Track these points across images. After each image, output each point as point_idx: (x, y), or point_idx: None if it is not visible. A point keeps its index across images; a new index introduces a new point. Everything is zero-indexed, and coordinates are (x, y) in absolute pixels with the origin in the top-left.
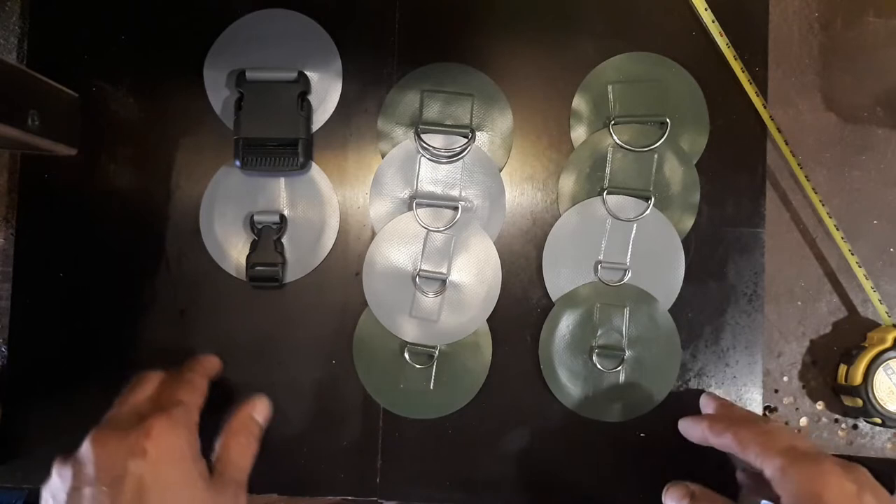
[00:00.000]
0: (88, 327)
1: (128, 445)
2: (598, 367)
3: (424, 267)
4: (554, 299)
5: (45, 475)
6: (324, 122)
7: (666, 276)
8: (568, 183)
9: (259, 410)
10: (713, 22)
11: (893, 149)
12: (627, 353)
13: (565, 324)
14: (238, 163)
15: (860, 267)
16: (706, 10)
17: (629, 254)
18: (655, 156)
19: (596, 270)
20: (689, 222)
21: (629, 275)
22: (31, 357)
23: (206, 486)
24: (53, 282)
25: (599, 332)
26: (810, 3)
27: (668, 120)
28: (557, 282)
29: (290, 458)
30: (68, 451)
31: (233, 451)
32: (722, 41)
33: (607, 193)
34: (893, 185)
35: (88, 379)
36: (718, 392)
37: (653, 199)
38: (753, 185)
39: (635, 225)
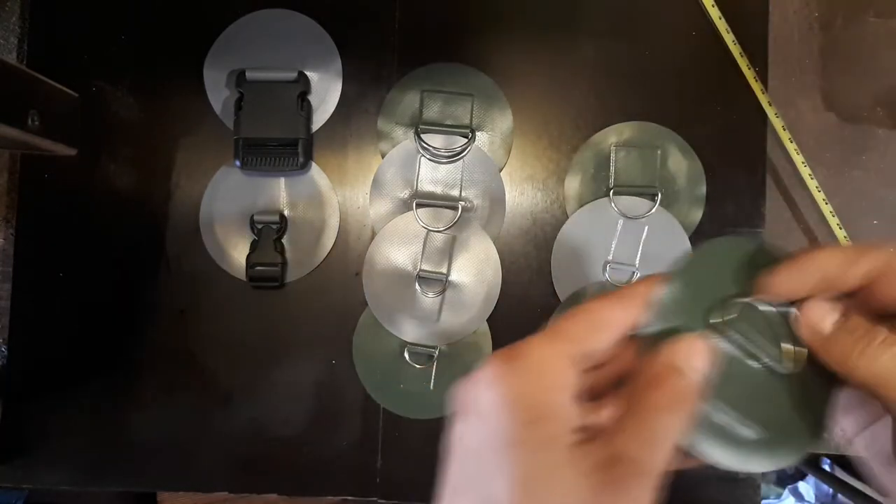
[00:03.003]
0: (88, 327)
1: None
2: None
3: (424, 267)
4: (562, 298)
5: (44, 475)
6: (324, 122)
7: None
8: (573, 185)
9: (692, 355)
10: (720, 18)
11: (893, 149)
12: None
13: None
14: (238, 163)
15: None
16: (713, 6)
17: (639, 254)
18: (659, 151)
19: (604, 270)
20: (697, 215)
21: (637, 276)
22: (31, 357)
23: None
24: (53, 282)
25: None
26: (810, 3)
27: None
28: (565, 282)
29: (290, 458)
30: (68, 450)
31: (639, 426)
32: (728, 38)
33: (613, 193)
34: (893, 185)
35: (88, 379)
36: None
37: (659, 196)
38: (753, 185)
39: (647, 226)
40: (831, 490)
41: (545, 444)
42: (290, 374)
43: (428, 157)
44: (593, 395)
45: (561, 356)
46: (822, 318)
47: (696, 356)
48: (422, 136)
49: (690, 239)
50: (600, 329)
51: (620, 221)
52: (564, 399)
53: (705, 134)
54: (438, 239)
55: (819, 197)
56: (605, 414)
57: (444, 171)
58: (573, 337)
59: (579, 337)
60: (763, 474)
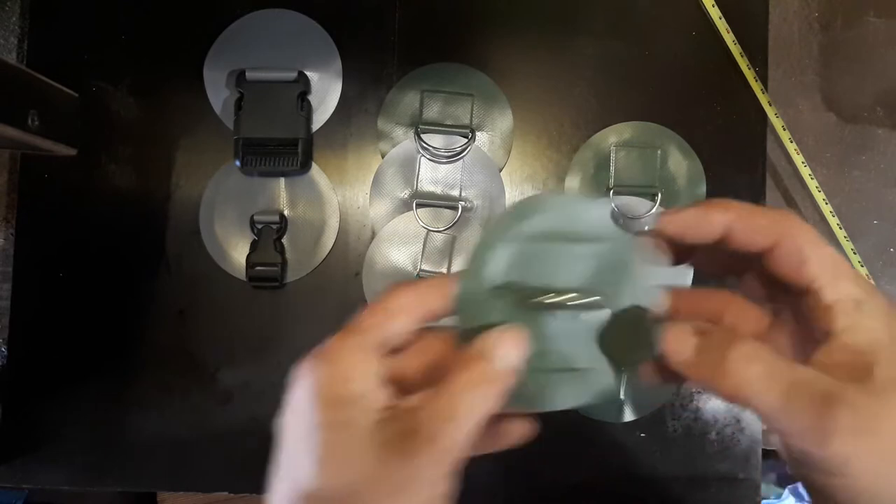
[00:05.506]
0: (88, 327)
1: None
2: None
3: (424, 267)
4: None
5: (44, 475)
6: (324, 122)
7: (673, 277)
8: (573, 185)
9: (499, 345)
10: (720, 18)
11: (893, 149)
12: None
13: None
14: (238, 163)
15: (862, 267)
16: (713, 6)
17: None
18: (659, 151)
19: None
20: None
21: None
22: (31, 357)
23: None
24: (53, 282)
25: None
26: (810, 3)
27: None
28: None
29: None
30: (68, 450)
31: (442, 397)
32: (728, 38)
33: (613, 193)
34: (893, 185)
35: (88, 379)
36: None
37: (659, 196)
38: (753, 185)
39: (647, 226)
40: None
41: (343, 425)
42: (290, 373)
43: (428, 157)
44: (420, 383)
45: (356, 347)
46: (682, 344)
47: (503, 345)
48: (422, 136)
49: None
50: (393, 316)
51: (620, 221)
52: (363, 385)
53: (705, 134)
54: (438, 239)
55: (819, 197)
56: (416, 397)
57: (444, 171)
58: (367, 328)
59: (372, 326)
60: (763, 474)
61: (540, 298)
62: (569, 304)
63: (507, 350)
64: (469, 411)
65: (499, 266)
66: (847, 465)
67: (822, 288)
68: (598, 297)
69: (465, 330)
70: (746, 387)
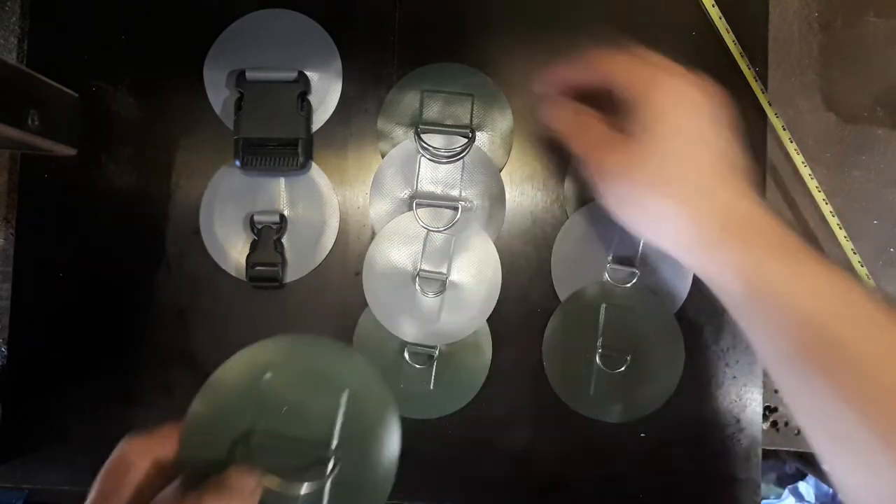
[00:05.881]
0: (88, 327)
1: None
2: (602, 367)
3: (424, 267)
4: (562, 298)
5: (44, 475)
6: (324, 122)
7: (674, 279)
8: (573, 185)
9: (243, 478)
10: (720, 18)
11: (893, 149)
12: (631, 354)
13: (570, 323)
14: (238, 163)
15: (862, 267)
16: (713, 6)
17: (639, 254)
18: None
19: (604, 271)
20: None
21: (638, 276)
22: (31, 357)
23: None
24: (53, 282)
25: (604, 333)
26: (810, 3)
27: None
28: (565, 281)
29: None
30: (68, 450)
31: None
32: (728, 38)
33: None
34: (893, 185)
35: (88, 379)
36: (718, 391)
37: None
38: (753, 184)
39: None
40: (831, 490)
41: None
42: None
43: (428, 157)
44: None
45: None
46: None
47: (242, 478)
48: (422, 136)
49: None
50: (127, 473)
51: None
52: None
53: None
54: (438, 239)
55: (819, 197)
56: None
57: (444, 171)
58: (107, 494)
59: (113, 489)
60: (763, 474)
61: (272, 476)
62: (301, 482)
63: (245, 482)
64: None
65: (233, 412)
66: (607, 172)
67: (625, 90)
68: (329, 453)
69: (203, 473)
70: (576, 138)
